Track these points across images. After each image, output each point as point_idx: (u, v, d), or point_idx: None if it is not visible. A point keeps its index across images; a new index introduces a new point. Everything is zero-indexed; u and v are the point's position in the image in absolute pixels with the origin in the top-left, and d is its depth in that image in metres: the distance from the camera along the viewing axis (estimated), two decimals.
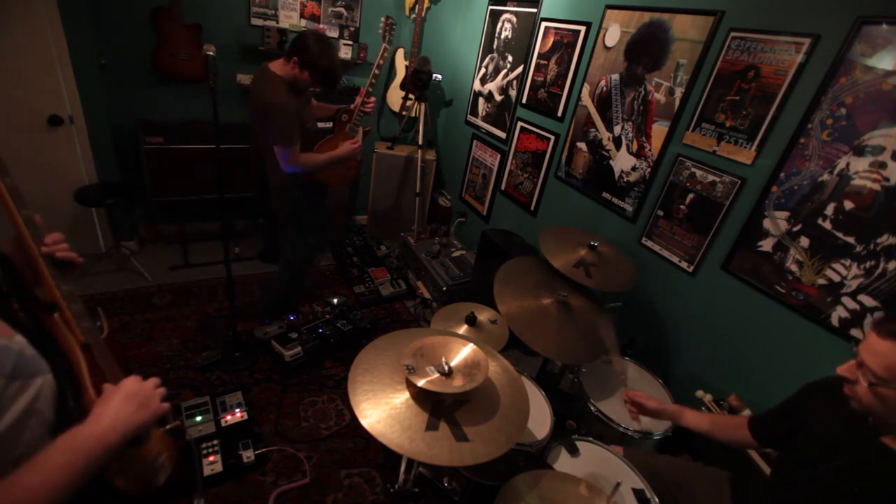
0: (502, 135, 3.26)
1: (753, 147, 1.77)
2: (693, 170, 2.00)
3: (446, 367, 1.20)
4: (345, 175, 2.46)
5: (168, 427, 1.07)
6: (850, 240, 1.53)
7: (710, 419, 1.47)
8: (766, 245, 1.76)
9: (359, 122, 2.37)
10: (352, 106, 2.37)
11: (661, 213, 2.15)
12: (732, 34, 1.81)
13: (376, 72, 2.32)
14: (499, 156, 3.31)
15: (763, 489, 1.29)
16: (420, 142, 3.39)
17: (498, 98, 3.28)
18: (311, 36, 2.01)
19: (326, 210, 2.55)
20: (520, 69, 3.01)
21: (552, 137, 2.79)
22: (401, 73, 3.50)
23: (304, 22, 3.14)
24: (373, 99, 2.37)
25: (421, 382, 1.14)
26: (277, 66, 2.06)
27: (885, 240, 1.45)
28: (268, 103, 1.99)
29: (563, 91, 2.68)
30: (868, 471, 1.02)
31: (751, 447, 1.40)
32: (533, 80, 2.92)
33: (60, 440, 0.66)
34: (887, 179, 1.44)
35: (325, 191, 2.43)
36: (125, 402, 0.77)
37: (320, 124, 2.37)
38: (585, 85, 2.53)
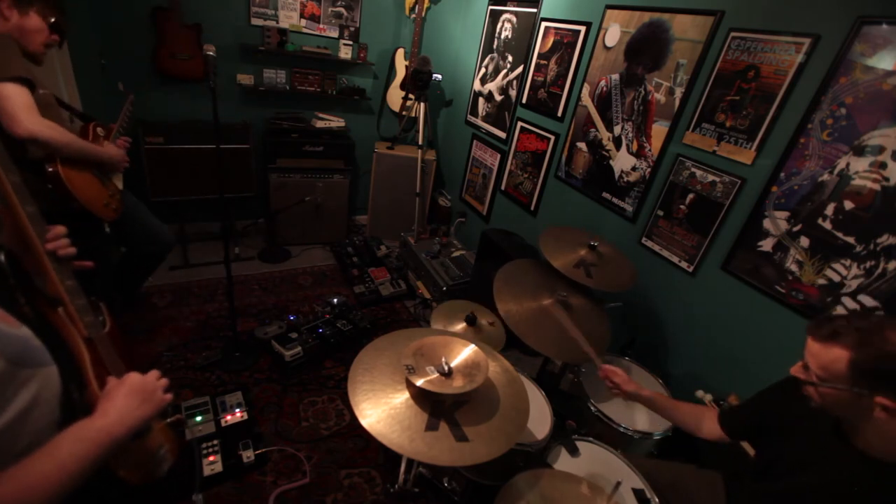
0: (502, 135, 3.26)
1: (753, 147, 1.77)
2: (693, 170, 2.00)
3: (446, 368, 1.20)
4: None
5: (169, 420, 1.09)
6: (850, 240, 1.53)
7: (675, 405, 1.45)
8: (766, 245, 1.76)
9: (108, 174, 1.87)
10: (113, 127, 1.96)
11: (661, 213, 2.15)
12: (732, 34, 1.81)
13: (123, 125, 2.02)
14: (499, 156, 3.31)
15: (749, 495, 1.28)
16: (420, 142, 3.39)
17: (498, 98, 3.28)
18: None
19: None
20: (520, 69, 3.01)
21: (552, 137, 2.79)
22: (401, 73, 3.50)
23: (304, 22, 3.14)
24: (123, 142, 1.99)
25: (421, 382, 1.14)
26: None
27: (885, 240, 1.45)
28: None
29: (563, 91, 2.68)
30: (842, 476, 1.00)
31: (721, 440, 1.35)
32: (533, 80, 2.92)
33: (70, 431, 0.68)
34: (887, 179, 1.44)
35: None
36: (130, 397, 0.79)
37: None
38: (585, 85, 2.53)
